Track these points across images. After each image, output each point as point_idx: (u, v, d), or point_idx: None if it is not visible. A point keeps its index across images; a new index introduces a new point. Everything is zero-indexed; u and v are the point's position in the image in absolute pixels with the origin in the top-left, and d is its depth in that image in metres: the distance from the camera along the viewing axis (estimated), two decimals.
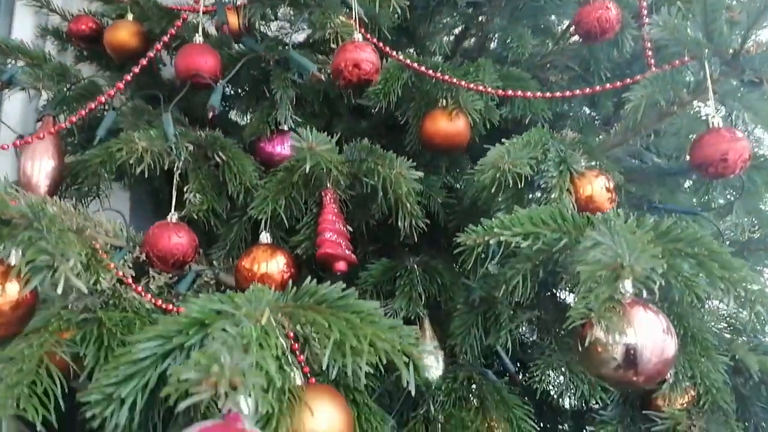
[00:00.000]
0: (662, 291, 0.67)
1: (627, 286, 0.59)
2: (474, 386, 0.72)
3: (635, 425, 0.72)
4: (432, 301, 0.82)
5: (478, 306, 0.76)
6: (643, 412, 0.70)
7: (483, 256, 0.67)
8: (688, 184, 1.01)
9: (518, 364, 0.86)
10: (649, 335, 0.56)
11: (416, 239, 0.82)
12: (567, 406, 0.90)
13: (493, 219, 0.60)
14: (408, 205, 0.78)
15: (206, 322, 0.47)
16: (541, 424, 0.76)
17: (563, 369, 0.73)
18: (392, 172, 0.72)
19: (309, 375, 0.54)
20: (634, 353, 0.56)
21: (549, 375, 0.72)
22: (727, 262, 0.55)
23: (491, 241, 0.58)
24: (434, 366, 0.77)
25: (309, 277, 0.54)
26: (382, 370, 0.74)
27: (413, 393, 0.47)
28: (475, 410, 0.68)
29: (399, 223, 0.79)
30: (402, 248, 0.95)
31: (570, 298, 0.91)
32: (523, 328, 0.90)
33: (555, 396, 0.71)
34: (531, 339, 0.92)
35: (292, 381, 0.50)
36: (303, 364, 0.55)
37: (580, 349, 0.61)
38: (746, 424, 0.70)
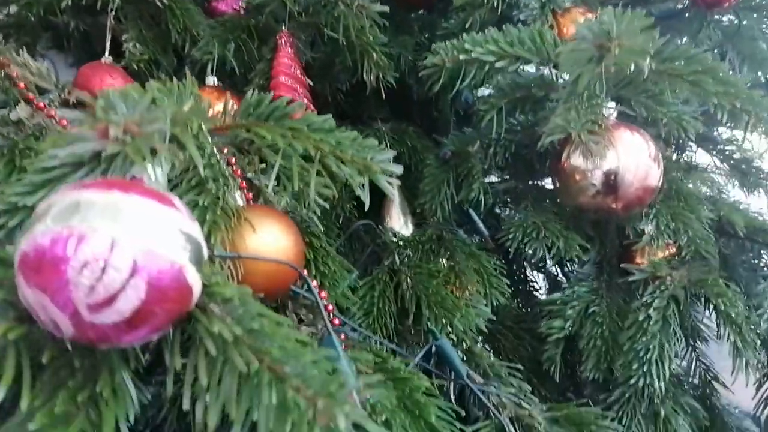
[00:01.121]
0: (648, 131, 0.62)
1: (610, 104, 0.54)
2: (443, 242, 0.67)
3: (611, 280, 0.68)
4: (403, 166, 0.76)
5: (449, 160, 0.70)
6: (621, 265, 0.66)
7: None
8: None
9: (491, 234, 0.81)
10: (633, 158, 0.51)
11: (384, 97, 0.75)
12: (539, 270, 0.86)
13: (463, 37, 0.53)
14: (374, 54, 0.71)
15: None
16: (515, 288, 0.72)
17: (538, 225, 0.68)
18: (354, 3, 0.64)
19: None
20: (615, 177, 0.51)
21: (522, 233, 0.68)
22: (724, 78, 0.50)
23: (461, 57, 0.51)
24: (402, 228, 0.72)
25: (252, 90, 0.47)
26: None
27: (367, 204, 0.42)
28: (443, 264, 0.64)
29: (365, 76, 0.72)
30: (371, 120, 0.89)
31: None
32: (498, 203, 0.85)
33: (529, 254, 0.66)
34: (505, 212, 0.87)
35: (231, 199, 0.45)
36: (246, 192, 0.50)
37: (557, 181, 0.56)
38: (728, 282, 0.67)
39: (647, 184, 0.52)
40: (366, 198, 0.43)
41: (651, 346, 0.55)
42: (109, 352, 0.30)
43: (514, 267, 0.89)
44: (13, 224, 0.40)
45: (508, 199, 0.83)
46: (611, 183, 0.51)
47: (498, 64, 0.52)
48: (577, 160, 0.52)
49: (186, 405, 0.28)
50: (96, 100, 0.29)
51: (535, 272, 0.91)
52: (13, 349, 0.25)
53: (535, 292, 0.87)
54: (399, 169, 0.45)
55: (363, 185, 0.44)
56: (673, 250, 0.68)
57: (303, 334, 0.28)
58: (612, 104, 0.53)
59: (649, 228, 0.66)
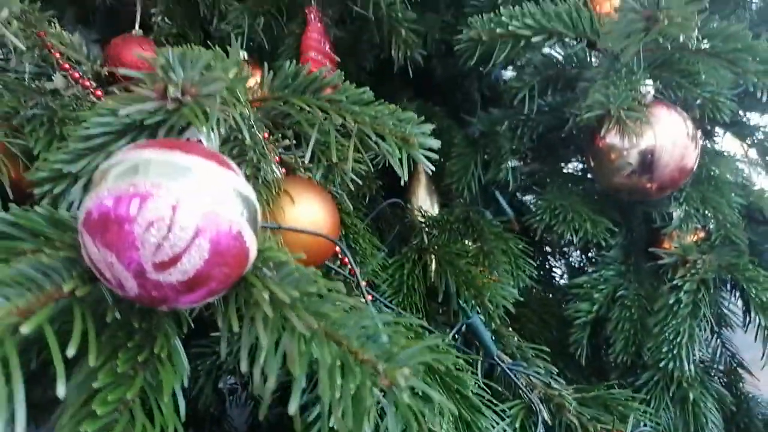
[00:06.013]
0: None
1: (648, 82, 0.53)
2: (470, 222, 0.67)
3: (639, 265, 0.68)
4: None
5: (477, 141, 0.70)
6: (649, 249, 0.65)
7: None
8: None
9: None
10: (670, 137, 0.51)
11: (411, 75, 0.75)
12: (562, 256, 0.86)
13: (499, 10, 0.52)
14: (403, 31, 0.70)
15: None
16: (540, 265, 0.72)
17: (566, 208, 0.68)
18: None
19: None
20: (651, 156, 0.51)
21: (549, 215, 0.68)
22: (764, 57, 0.49)
23: (498, 31, 0.51)
24: (429, 208, 0.72)
25: (289, 62, 0.47)
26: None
27: (404, 179, 0.42)
28: (470, 245, 0.64)
29: (393, 54, 0.72)
30: (396, 100, 0.88)
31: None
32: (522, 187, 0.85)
33: (555, 237, 0.66)
34: (529, 197, 0.87)
35: (270, 170, 0.45)
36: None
37: (591, 161, 0.56)
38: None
39: (683, 164, 0.52)
40: (404, 174, 0.43)
41: (681, 330, 0.55)
42: (164, 315, 0.30)
43: (536, 254, 0.89)
44: (58, 191, 0.40)
45: (533, 184, 0.83)
46: (648, 162, 0.51)
47: (534, 39, 0.52)
48: (613, 138, 0.52)
49: (244, 368, 0.28)
50: (155, 59, 0.29)
51: (557, 261, 0.90)
52: (79, 307, 0.25)
53: (556, 280, 0.86)
54: (436, 144, 0.46)
55: (401, 160, 0.44)
56: (702, 234, 0.68)
57: (356, 300, 0.28)
58: (650, 82, 0.52)
59: (678, 212, 0.66)
